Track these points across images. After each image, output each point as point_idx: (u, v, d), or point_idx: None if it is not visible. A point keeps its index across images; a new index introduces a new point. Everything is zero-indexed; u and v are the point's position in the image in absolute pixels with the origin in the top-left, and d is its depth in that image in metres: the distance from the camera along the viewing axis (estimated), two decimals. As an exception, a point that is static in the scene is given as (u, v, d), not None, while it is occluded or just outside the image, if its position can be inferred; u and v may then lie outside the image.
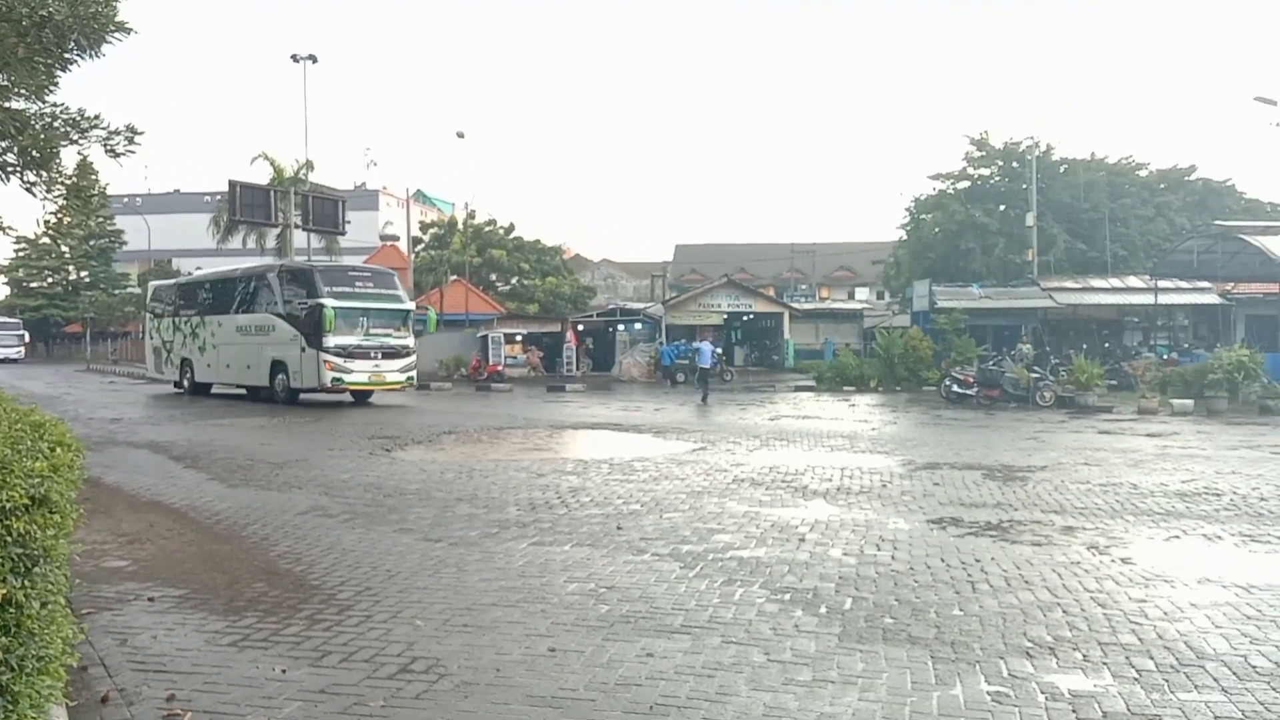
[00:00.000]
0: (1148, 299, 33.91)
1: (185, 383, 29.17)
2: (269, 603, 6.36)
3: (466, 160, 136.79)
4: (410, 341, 25.84)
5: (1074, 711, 4.51)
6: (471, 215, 58.56)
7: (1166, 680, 4.90)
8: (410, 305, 26.77)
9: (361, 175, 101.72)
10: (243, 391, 27.55)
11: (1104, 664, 5.14)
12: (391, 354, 24.91)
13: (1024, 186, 40.43)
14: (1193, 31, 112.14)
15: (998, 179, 43.73)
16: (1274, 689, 4.77)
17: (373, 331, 24.57)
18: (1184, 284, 34.01)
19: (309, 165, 45.03)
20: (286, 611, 6.14)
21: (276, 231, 42.38)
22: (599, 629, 5.74)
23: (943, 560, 7.46)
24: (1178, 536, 8.45)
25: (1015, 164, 42.33)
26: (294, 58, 39.91)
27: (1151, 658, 5.23)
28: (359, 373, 24.05)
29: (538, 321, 45.71)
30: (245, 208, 34.38)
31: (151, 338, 31.69)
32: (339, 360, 23.69)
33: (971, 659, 5.22)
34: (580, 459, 14.44)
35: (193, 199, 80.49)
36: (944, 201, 43.59)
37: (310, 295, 24.14)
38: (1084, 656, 5.26)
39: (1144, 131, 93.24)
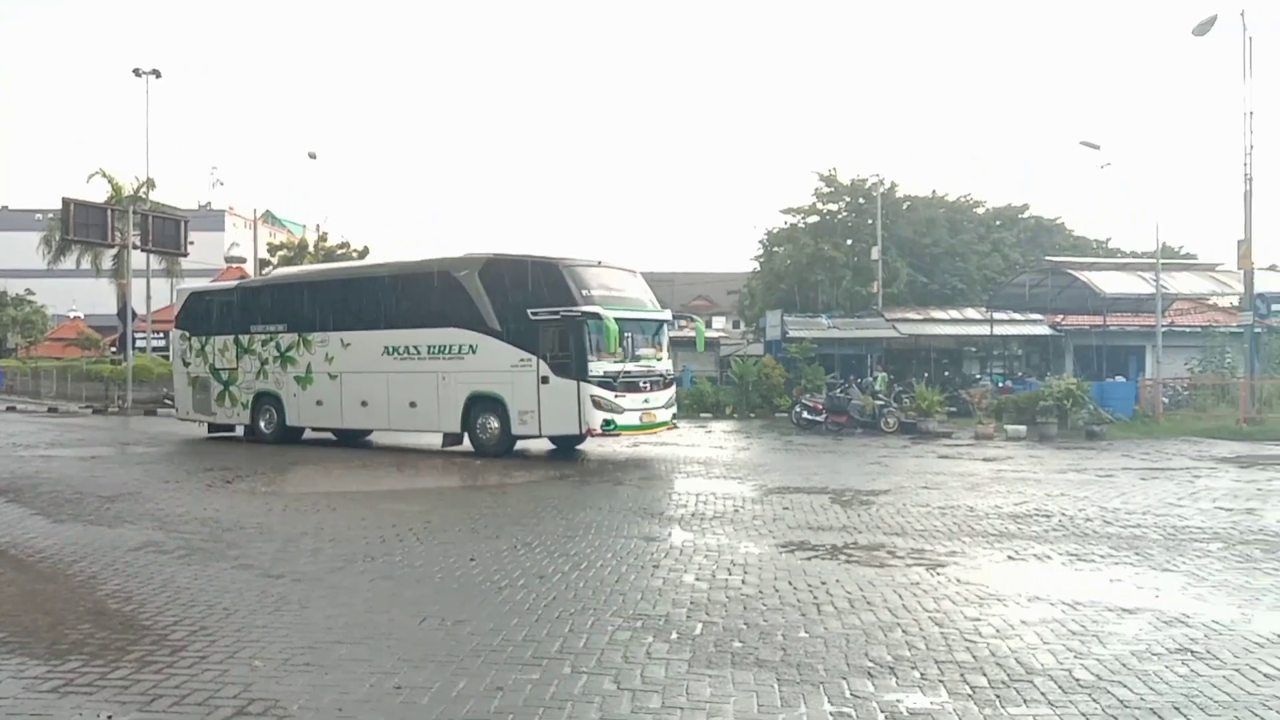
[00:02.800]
0: (984, 330, 35.67)
1: (264, 426, 20.90)
2: (95, 645, 5.99)
3: (321, 181, 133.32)
4: (672, 365, 19.47)
5: (911, 729, 4.66)
6: (324, 238, 56.97)
7: (998, 696, 5.12)
8: (669, 314, 19.57)
9: (207, 195, 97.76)
10: (331, 436, 21.02)
11: (940, 681, 5.34)
12: (658, 383, 18.05)
13: (870, 222, 42.03)
14: (1027, 77, 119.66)
15: (845, 214, 45.29)
16: (1095, 700, 5.04)
17: (638, 353, 17.75)
18: (1017, 316, 35.89)
19: (150, 183, 42.94)
20: (114, 654, 5.80)
21: (113, 252, 40.25)
22: (448, 664, 5.63)
23: (790, 583, 7.61)
24: (1010, 557, 8.86)
25: (862, 200, 43.97)
26: (136, 72, 38.11)
27: (984, 674, 5.45)
28: (630, 411, 17.06)
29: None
30: (80, 227, 32.53)
31: (187, 365, 22.63)
32: (608, 396, 16.73)
33: (816, 680, 5.34)
34: (438, 488, 14.20)
35: (22, 216, 75.61)
36: (795, 235, 44.86)
37: (560, 300, 16.82)
38: (922, 675, 5.45)
39: (981, 172, 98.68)
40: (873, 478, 14.76)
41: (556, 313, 16.76)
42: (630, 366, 17.22)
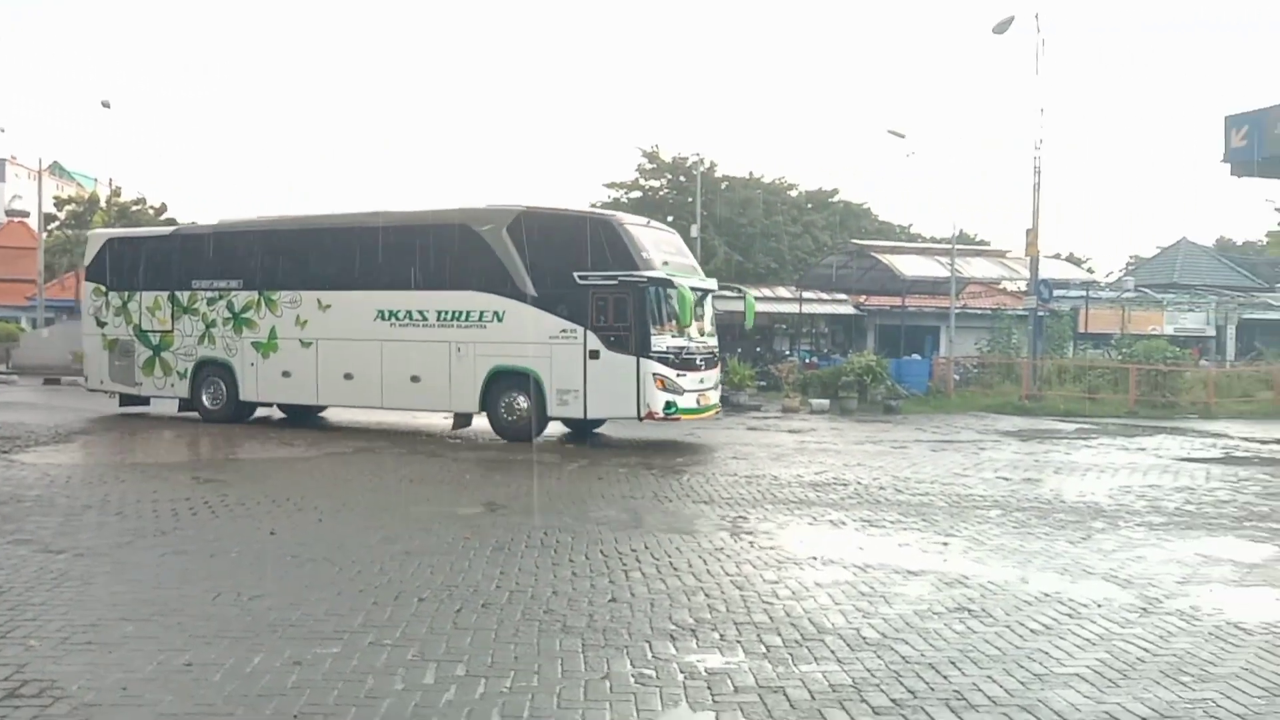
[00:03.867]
0: (794, 308, 37.03)
1: (209, 400, 17.66)
2: None
3: (121, 134, 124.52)
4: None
5: (709, 688, 4.82)
6: (117, 192, 53.29)
7: (790, 654, 5.35)
8: (715, 283, 17.77)
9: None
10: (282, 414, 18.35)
11: (738, 642, 5.54)
12: (709, 361, 16.09)
13: (690, 200, 42.79)
14: (840, 64, 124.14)
15: (667, 191, 45.95)
16: (879, 657, 5.35)
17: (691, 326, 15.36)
18: (825, 295, 37.38)
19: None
20: None
21: None
22: (243, 640, 5.42)
23: (601, 552, 7.72)
24: (809, 523, 9.28)
25: (683, 178, 44.67)
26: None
27: (779, 634, 5.69)
28: (689, 393, 15.00)
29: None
30: None
31: (102, 325, 18.86)
32: (671, 375, 14.64)
33: (620, 644, 5.44)
34: (237, 458, 13.61)
35: None
36: (618, 210, 45.28)
37: (618, 263, 14.62)
38: (721, 636, 5.64)
39: (795, 155, 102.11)
40: (685, 450, 15.11)
41: (614, 277, 14.53)
42: (689, 342, 15.22)
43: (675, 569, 7.19)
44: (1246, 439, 17.74)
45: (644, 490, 11.00)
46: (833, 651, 5.42)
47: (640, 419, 14.68)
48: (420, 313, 15.95)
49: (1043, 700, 4.73)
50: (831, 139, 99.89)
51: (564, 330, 14.81)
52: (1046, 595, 6.68)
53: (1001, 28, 24.89)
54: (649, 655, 5.28)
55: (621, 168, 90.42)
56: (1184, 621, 6.10)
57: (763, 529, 8.89)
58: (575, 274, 14.74)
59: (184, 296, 18.09)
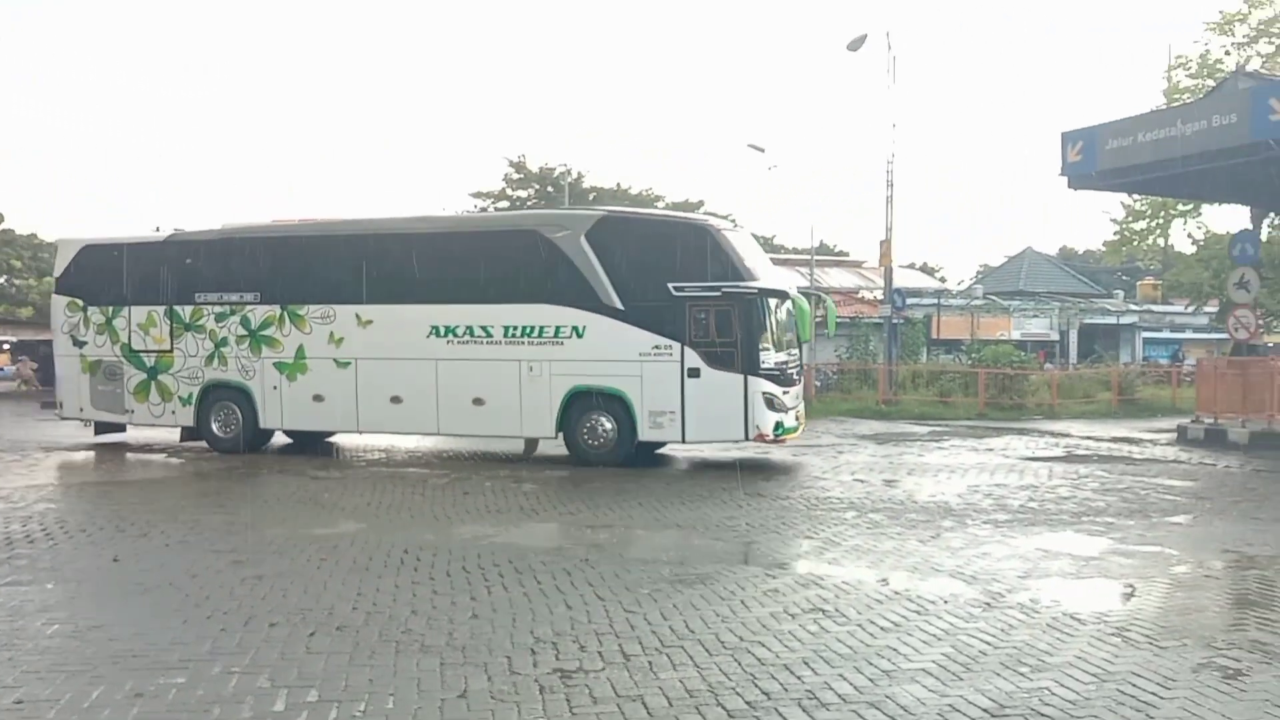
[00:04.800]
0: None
1: (220, 428, 15.72)
2: None
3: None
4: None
5: (567, 700, 4.82)
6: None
7: (650, 662, 5.40)
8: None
9: None
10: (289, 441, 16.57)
11: (599, 652, 5.56)
12: (800, 375, 15.39)
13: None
14: (705, 78, 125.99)
15: (534, 201, 45.89)
16: (736, 661, 5.43)
17: (787, 340, 14.52)
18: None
19: None
20: None
21: None
22: (81, 673, 5.17)
23: (464, 568, 7.63)
24: (675, 529, 9.39)
25: (550, 188, 44.73)
26: None
27: (640, 642, 5.74)
28: (790, 410, 14.05)
29: (32, 328, 40.10)
30: None
31: (80, 345, 16.56)
32: (778, 393, 13.68)
33: (479, 660, 5.40)
34: (76, 483, 12.95)
35: None
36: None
37: (719, 273, 13.52)
38: (581, 647, 5.65)
39: (662, 167, 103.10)
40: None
41: (716, 288, 13.45)
42: (788, 356, 14.32)
43: (539, 582, 7.17)
44: (1086, 437, 18.76)
45: (520, 504, 10.92)
46: (691, 657, 5.50)
47: (749, 440, 13.85)
48: (484, 328, 14.37)
49: (890, 696, 4.91)
50: (697, 152, 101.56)
51: (657, 346, 13.61)
52: (896, 593, 6.94)
53: (855, 45, 25.76)
54: (507, 670, 5.25)
55: (488, 177, 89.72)
56: (1024, 614, 6.41)
57: (635, 540, 8.94)
58: (670, 285, 13.54)
59: (186, 312, 15.91)
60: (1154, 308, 42.41)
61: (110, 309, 16.39)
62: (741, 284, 13.50)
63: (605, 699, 4.84)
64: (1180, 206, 31.92)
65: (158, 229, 18.73)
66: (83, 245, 17.01)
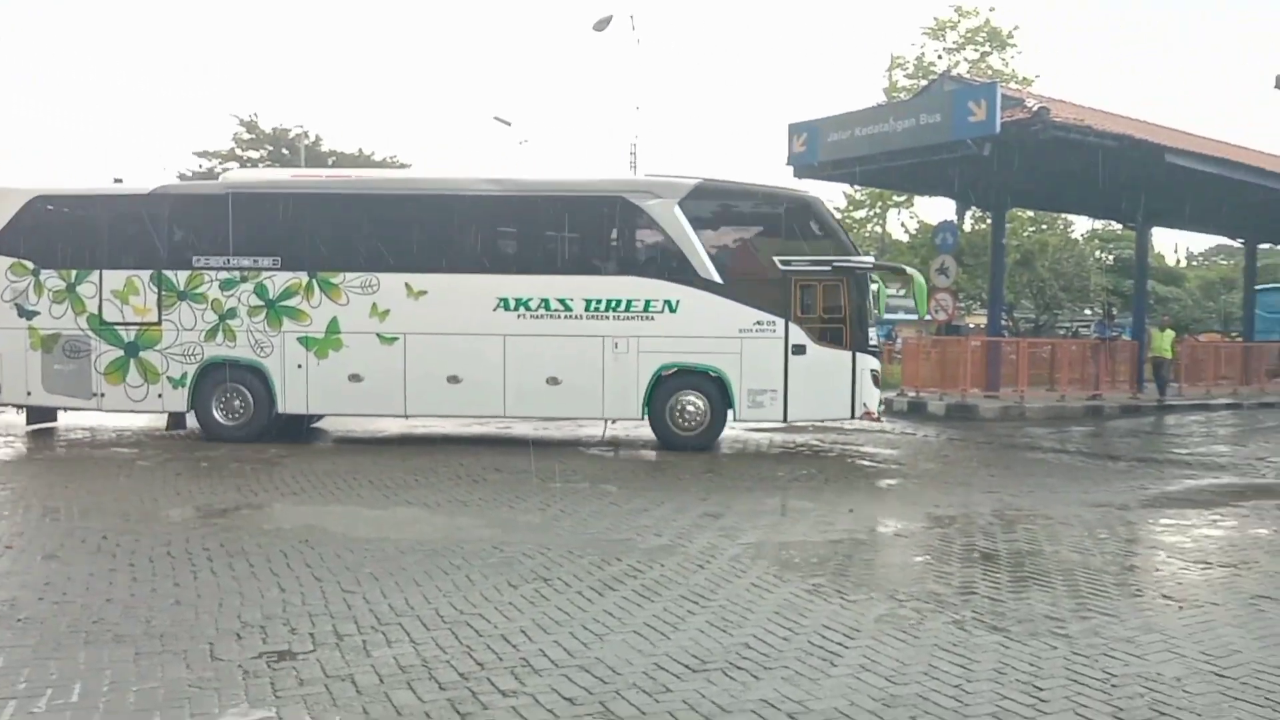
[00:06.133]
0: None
1: (223, 414, 13.73)
2: None
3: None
4: None
5: (272, 684, 4.67)
6: None
7: (365, 640, 5.31)
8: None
9: None
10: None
11: (310, 634, 5.41)
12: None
13: (296, 175, 41.00)
14: (453, 47, 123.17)
15: (268, 163, 43.53)
16: (454, 634, 5.45)
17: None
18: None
19: None
20: None
21: None
22: None
23: (169, 553, 7.19)
24: (403, 505, 9.26)
25: (285, 150, 42.56)
26: None
27: (355, 622, 5.64)
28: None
29: None
30: None
31: (28, 315, 13.87)
32: (879, 369, 13.77)
33: (178, 648, 5.12)
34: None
35: None
36: (213, 178, 42.26)
37: (827, 246, 13.29)
38: (292, 630, 5.48)
39: (409, 136, 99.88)
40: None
41: (826, 263, 13.16)
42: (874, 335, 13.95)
43: (251, 565, 6.88)
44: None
45: (223, 486, 10.40)
46: (408, 633, 5.45)
47: (854, 419, 13.65)
48: (563, 301, 13.36)
49: (600, 658, 5.08)
50: (446, 122, 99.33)
51: (759, 322, 13.18)
52: (618, 559, 7.16)
53: (601, 26, 26.18)
54: (208, 656, 5.02)
55: (215, 135, 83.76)
56: (732, 574, 6.79)
57: (345, 517, 8.74)
58: (776, 258, 13.21)
59: (180, 278, 13.76)
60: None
61: (73, 273, 13.86)
62: (852, 259, 13.36)
63: (313, 680, 4.72)
64: (895, 197, 34.63)
65: (118, 180, 15.84)
66: (32, 195, 14.12)
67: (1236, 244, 38.76)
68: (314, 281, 13.63)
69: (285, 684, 4.67)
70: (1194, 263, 65.96)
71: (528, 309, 13.40)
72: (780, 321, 13.19)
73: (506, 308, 13.41)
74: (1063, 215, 37.38)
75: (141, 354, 13.79)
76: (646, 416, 13.54)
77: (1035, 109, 17.24)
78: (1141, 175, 19.06)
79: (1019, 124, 17.18)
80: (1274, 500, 10.48)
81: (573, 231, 14.00)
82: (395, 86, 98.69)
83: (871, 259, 14.22)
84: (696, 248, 13.26)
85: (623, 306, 13.33)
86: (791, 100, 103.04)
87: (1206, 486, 11.33)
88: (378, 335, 13.50)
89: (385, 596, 6.14)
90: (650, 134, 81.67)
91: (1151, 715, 4.45)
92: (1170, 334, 23.38)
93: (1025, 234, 36.07)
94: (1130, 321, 28.15)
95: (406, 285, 13.46)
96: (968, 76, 27.62)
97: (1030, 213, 34.75)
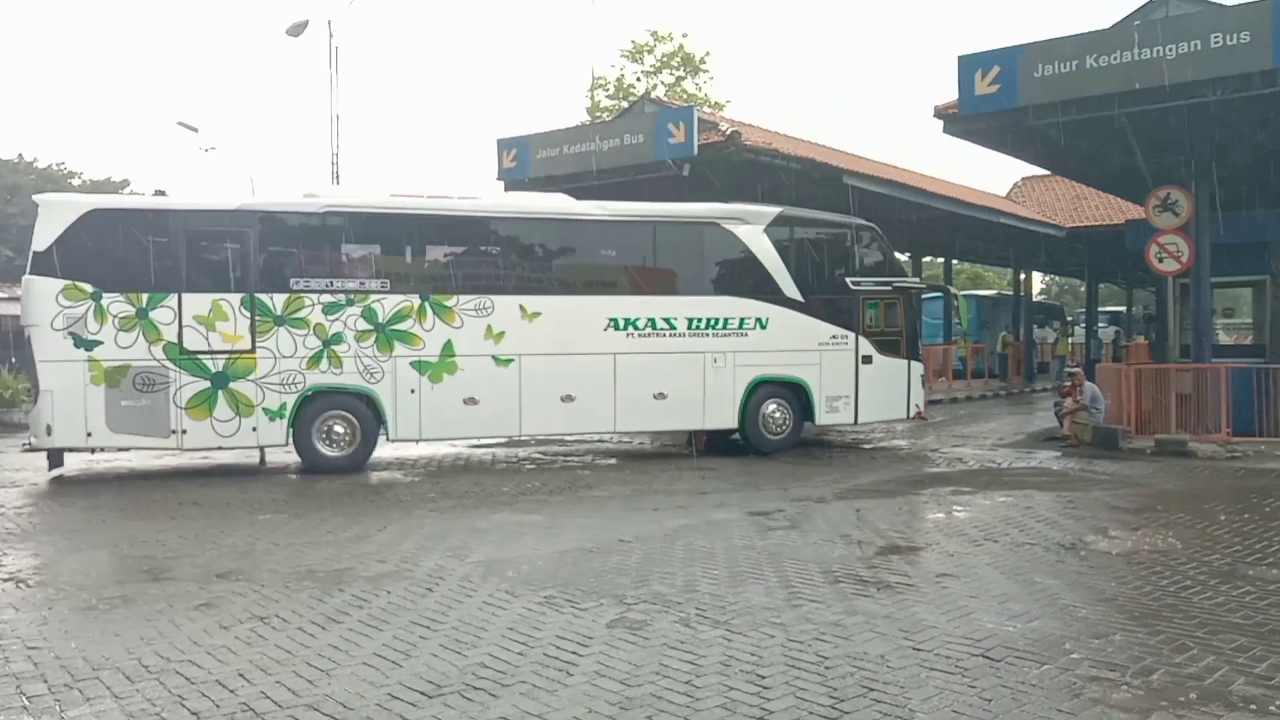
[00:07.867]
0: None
1: (326, 445, 12.81)
2: None
3: None
4: None
5: None
6: None
7: (59, 700, 4.79)
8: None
9: None
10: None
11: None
12: None
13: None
14: (127, 48, 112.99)
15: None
16: (163, 684, 5.02)
17: None
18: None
19: None
20: None
21: None
22: None
23: None
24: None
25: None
26: None
27: (45, 680, 5.06)
28: None
29: None
30: None
31: (86, 346, 11.95)
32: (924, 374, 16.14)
33: None
34: None
35: None
36: None
37: (886, 269, 15.75)
38: None
39: (78, 142, 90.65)
40: None
41: (888, 284, 15.36)
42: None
43: (-93, 628, 6.00)
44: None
45: None
46: (109, 688, 4.97)
47: (908, 419, 15.85)
48: (668, 320, 14.18)
49: (329, 695, 4.85)
50: (121, 127, 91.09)
51: (835, 336, 14.91)
52: (339, 589, 6.87)
53: (296, 30, 25.10)
54: None
55: None
56: (463, 594, 6.71)
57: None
58: (849, 279, 15.04)
59: (276, 301, 12.64)
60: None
61: (144, 297, 12.31)
62: (908, 280, 16.02)
63: None
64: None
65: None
66: (87, 209, 12.52)
67: (904, 257, 42.98)
68: (426, 304, 13.26)
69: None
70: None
71: (635, 328, 14.11)
72: (851, 335, 15.03)
73: (616, 327, 14.03)
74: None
75: (232, 384, 12.61)
76: (755, 425, 14.77)
77: (729, 133, 18.26)
78: (824, 195, 20.71)
79: (714, 146, 18.12)
80: (948, 487, 11.70)
81: (672, 254, 14.76)
82: (62, 88, 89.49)
83: (922, 280, 17.90)
84: (782, 269, 14.73)
85: (720, 324, 14.50)
86: (497, 115, 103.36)
87: (890, 478, 12.48)
88: (493, 357, 13.49)
89: (80, 650, 5.55)
90: (353, 145, 79.16)
91: (862, 692, 4.84)
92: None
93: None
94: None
95: (521, 307, 13.61)
96: (666, 99, 28.93)
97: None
